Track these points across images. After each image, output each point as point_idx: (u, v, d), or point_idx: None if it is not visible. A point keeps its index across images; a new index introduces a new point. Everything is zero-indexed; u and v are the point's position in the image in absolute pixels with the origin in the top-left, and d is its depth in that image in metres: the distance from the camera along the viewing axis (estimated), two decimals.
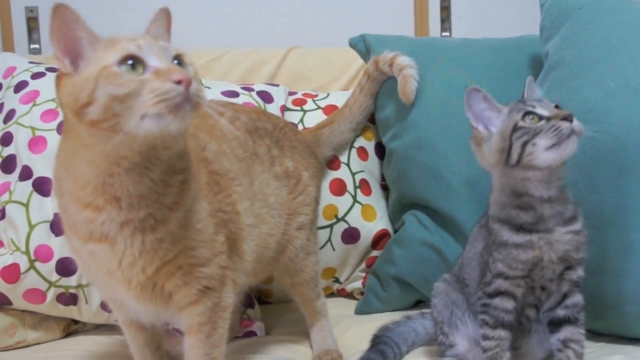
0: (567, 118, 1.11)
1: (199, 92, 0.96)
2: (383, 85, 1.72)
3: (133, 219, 1.03)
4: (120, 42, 0.97)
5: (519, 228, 1.16)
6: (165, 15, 1.11)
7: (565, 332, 1.18)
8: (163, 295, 1.11)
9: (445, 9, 2.33)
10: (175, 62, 0.99)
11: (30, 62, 1.75)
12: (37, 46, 2.18)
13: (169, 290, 1.11)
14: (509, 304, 1.18)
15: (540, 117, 1.13)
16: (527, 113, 1.14)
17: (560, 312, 1.19)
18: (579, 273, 1.19)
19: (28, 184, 1.52)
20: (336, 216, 1.69)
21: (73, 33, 0.98)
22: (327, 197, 1.69)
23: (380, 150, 1.79)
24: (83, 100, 0.94)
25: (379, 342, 1.33)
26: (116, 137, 0.93)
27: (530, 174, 1.14)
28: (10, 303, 1.50)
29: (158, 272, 1.08)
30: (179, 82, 0.93)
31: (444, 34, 2.34)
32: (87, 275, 1.38)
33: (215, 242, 1.14)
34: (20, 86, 1.66)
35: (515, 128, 1.13)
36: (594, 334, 1.36)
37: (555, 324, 1.19)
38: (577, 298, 1.19)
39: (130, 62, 0.94)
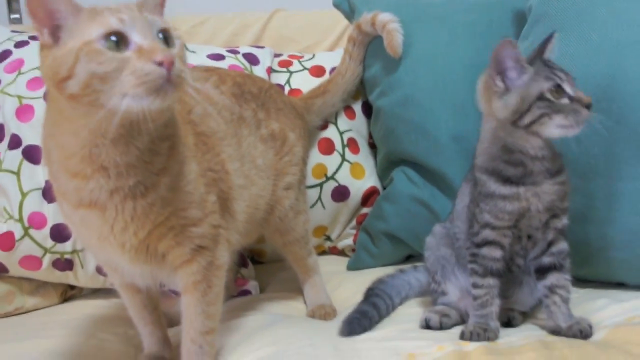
0: (588, 106, 1.14)
1: (181, 73, 0.95)
2: (369, 46, 1.73)
3: (122, 187, 1.03)
4: (103, 15, 0.95)
5: (506, 180, 1.18)
6: None
7: (552, 278, 1.21)
8: (157, 256, 1.13)
9: None
10: (161, 36, 0.97)
11: (13, 31, 1.75)
12: (17, 16, 2.16)
13: (162, 251, 1.12)
14: (497, 253, 1.21)
15: (564, 94, 1.14)
16: (556, 86, 1.14)
17: (546, 260, 1.22)
18: (563, 221, 1.22)
19: (18, 152, 1.52)
20: (325, 175, 1.72)
21: (50, 5, 0.95)
22: (315, 157, 1.71)
23: (367, 109, 1.80)
24: (63, 74, 0.93)
25: (371, 294, 1.36)
26: (97, 112, 0.93)
27: (531, 138, 1.16)
28: (7, 271, 1.52)
29: (150, 235, 1.09)
30: (161, 63, 0.92)
31: None
32: (80, 240, 1.41)
33: (206, 202, 1.15)
34: (4, 55, 1.65)
35: (541, 97, 1.14)
36: (581, 280, 1.40)
37: (542, 271, 1.22)
38: (562, 245, 1.22)
39: (113, 38, 0.93)
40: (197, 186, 1.13)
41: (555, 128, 1.14)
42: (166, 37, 0.98)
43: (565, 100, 1.14)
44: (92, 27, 0.93)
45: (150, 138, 1.03)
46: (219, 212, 1.19)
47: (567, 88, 1.15)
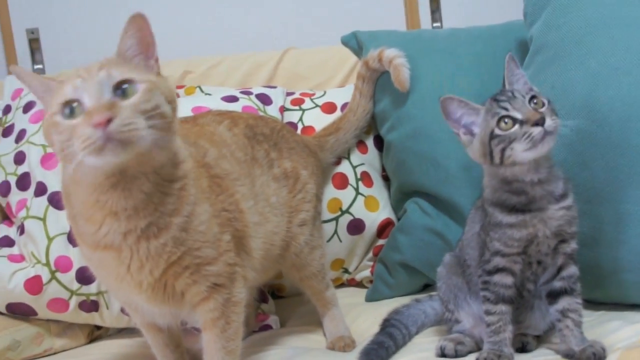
0: (539, 122, 1.15)
1: (124, 128, 0.98)
2: (377, 81, 1.77)
3: (134, 229, 1.09)
4: (62, 86, 1.04)
5: (512, 209, 1.21)
6: (135, 25, 1.10)
7: (563, 302, 1.23)
8: (175, 295, 1.17)
9: (435, 0, 2.38)
10: (119, 91, 1.02)
11: None
12: (40, 66, 2.24)
13: (180, 289, 1.17)
14: (508, 280, 1.23)
15: (514, 120, 1.17)
16: (501, 118, 1.18)
17: (557, 284, 1.24)
18: (572, 246, 1.24)
19: (43, 199, 1.59)
20: (340, 209, 1.75)
21: (28, 83, 1.09)
22: (330, 191, 1.75)
23: (379, 142, 1.84)
24: (47, 141, 1.07)
25: (388, 325, 1.39)
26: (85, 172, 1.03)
27: (516, 168, 1.20)
28: (35, 313, 1.57)
29: (165, 273, 1.14)
30: (97, 125, 0.97)
31: (435, 24, 2.38)
32: (100, 281, 1.46)
33: (220, 242, 1.19)
34: (28, 106, 1.73)
35: (492, 136, 1.18)
36: (594, 303, 1.41)
37: (553, 296, 1.24)
38: (572, 269, 1.24)
39: (68, 109, 1.01)
40: (210, 226, 1.17)
41: (522, 153, 1.17)
42: (125, 90, 1.02)
43: (515, 128, 1.17)
44: (55, 98, 1.04)
45: (156, 180, 1.09)
46: (234, 250, 1.23)
47: (514, 113, 1.17)
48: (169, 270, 1.14)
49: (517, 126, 1.17)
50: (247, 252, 1.29)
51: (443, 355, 1.29)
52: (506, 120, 1.17)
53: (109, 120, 0.97)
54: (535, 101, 1.19)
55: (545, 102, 1.19)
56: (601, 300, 1.43)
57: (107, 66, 1.04)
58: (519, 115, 1.17)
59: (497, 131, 1.18)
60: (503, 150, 1.17)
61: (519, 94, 1.20)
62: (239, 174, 1.32)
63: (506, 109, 1.18)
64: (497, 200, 1.23)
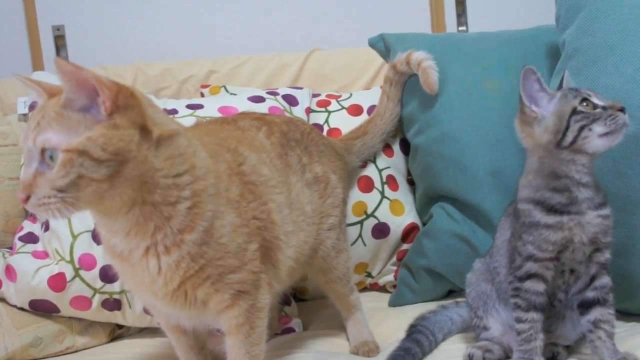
0: (623, 110, 1.17)
1: (38, 205, 0.98)
2: (405, 84, 1.76)
3: (136, 247, 1.09)
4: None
5: (551, 209, 1.20)
6: (62, 71, 0.98)
7: (595, 313, 1.21)
8: (197, 302, 1.16)
9: (461, 4, 2.37)
10: (47, 157, 0.98)
11: None
12: None
13: (202, 298, 1.15)
14: (540, 287, 1.21)
15: (595, 106, 1.19)
16: (584, 99, 1.19)
17: (590, 294, 1.22)
18: (606, 255, 1.22)
19: None
20: (365, 212, 1.74)
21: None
22: (356, 194, 1.74)
23: (405, 146, 1.83)
24: None
25: (414, 331, 1.37)
26: None
27: (577, 157, 1.19)
28: (58, 311, 1.56)
29: (184, 284, 1.13)
30: (21, 201, 0.99)
31: (460, 28, 2.37)
32: (122, 282, 1.47)
33: (245, 251, 1.17)
34: None
35: (575, 111, 1.18)
36: (625, 314, 1.39)
37: (585, 306, 1.22)
38: (605, 280, 1.22)
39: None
40: (234, 237, 1.15)
41: (597, 139, 1.17)
42: (51, 157, 0.99)
43: (599, 110, 1.18)
44: None
45: (146, 209, 1.06)
46: (259, 259, 1.21)
47: (596, 100, 1.20)
48: (187, 282, 1.13)
49: (599, 109, 1.19)
50: (273, 263, 1.27)
51: None
52: (586, 103, 1.19)
53: (28, 197, 0.99)
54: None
55: None
56: (633, 311, 1.41)
57: (38, 129, 0.99)
58: (601, 102, 1.20)
59: (581, 108, 1.19)
60: (581, 129, 1.17)
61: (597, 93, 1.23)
62: (277, 181, 1.30)
63: (589, 95, 1.20)
64: (538, 199, 1.21)
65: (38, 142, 0.99)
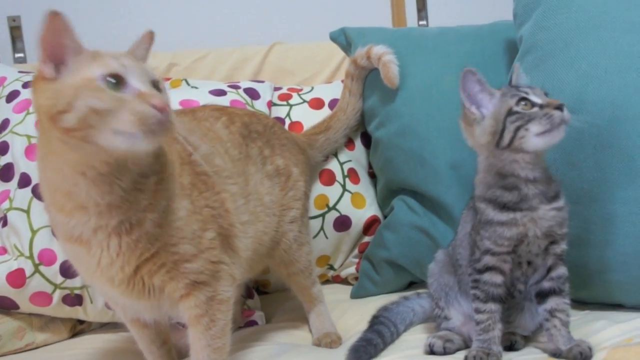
0: (559, 107, 1.17)
1: (172, 119, 1.01)
2: (366, 78, 1.78)
3: (105, 225, 1.06)
4: (105, 58, 1.00)
5: (503, 207, 1.22)
6: (149, 39, 1.15)
7: (552, 302, 1.24)
8: (154, 290, 1.15)
9: None
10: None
11: (20, 72, 1.79)
12: (21, 55, 2.20)
13: (158, 285, 1.14)
14: (498, 279, 1.24)
15: (533, 104, 1.18)
16: (522, 99, 1.19)
17: (546, 284, 1.25)
18: (562, 247, 1.25)
19: (27, 190, 1.56)
20: (327, 205, 1.75)
21: (62, 40, 0.99)
22: (317, 188, 1.75)
23: (366, 139, 1.84)
24: (61, 107, 0.96)
25: (376, 322, 1.39)
26: (86, 148, 0.98)
27: (519, 156, 1.20)
28: (17, 307, 1.54)
29: (139, 270, 1.11)
30: (158, 107, 0.97)
31: (420, 22, 2.39)
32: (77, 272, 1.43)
33: (201, 239, 1.16)
34: (12, 96, 1.69)
35: (510, 112, 1.19)
36: (580, 303, 1.43)
37: (542, 296, 1.25)
38: (562, 270, 1.25)
39: (113, 79, 0.98)
40: (188, 222, 1.15)
41: (535, 138, 1.17)
42: (157, 89, 1.03)
43: (535, 109, 1.18)
44: (95, 66, 0.98)
45: (133, 178, 1.06)
46: (219, 248, 1.20)
47: (534, 98, 1.19)
48: (142, 267, 1.11)
49: (536, 108, 1.18)
50: (234, 250, 1.27)
51: (432, 352, 1.29)
52: (525, 102, 1.19)
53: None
54: (547, 95, 1.21)
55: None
56: (587, 300, 1.45)
57: (140, 62, 1.06)
58: (539, 100, 1.19)
59: (516, 108, 1.18)
60: (517, 130, 1.17)
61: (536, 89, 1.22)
62: (231, 172, 1.30)
63: (526, 93, 1.20)
64: (490, 196, 1.23)
65: (151, 72, 1.05)
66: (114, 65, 0.99)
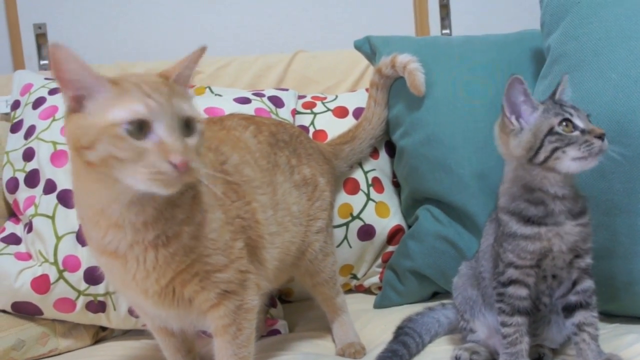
0: (601, 137, 1.15)
1: (193, 170, 0.98)
2: (391, 87, 1.77)
3: (142, 240, 1.07)
4: (132, 97, 0.97)
5: (527, 220, 1.20)
6: (199, 56, 1.09)
7: (579, 316, 1.22)
8: (183, 300, 1.15)
9: (445, 7, 2.38)
10: (185, 127, 1.00)
11: (46, 79, 1.80)
12: (47, 62, 2.21)
13: (188, 295, 1.15)
14: (523, 292, 1.22)
15: (575, 127, 1.16)
16: (565, 120, 1.17)
17: (573, 298, 1.23)
18: (587, 261, 1.23)
19: (53, 197, 1.57)
20: (351, 214, 1.74)
21: (72, 75, 0.97)
22: (341, 197, 1.74)
23: (390, 148, 1.83)
24: (84, 143, 0.96)
25: (401, 333, 1.38)
26: (110, 182, 0.98)
27: (550, 174, 1.18)
28: (41, 313, 1.54)
29: (173, 281, 1.12)
30: (176, 166, 0.95)
31: (444, 31, 2.38)
32: (109, 282, 1.44)
33: (232, 249, 1.17)
34: (38, 102, 1.70)
35: (551, 132, 1.17)
36: (608, 316, 1.41)
37: (569, 310, 1.23)
38: (588, 283, 1.23)
39: (137, 126, 0.95)
40: (221, 233, 1.16)
41: (570, 161, 1.16)
42: (188, 125, 1.01)
43: (576, 133, 1.16)
44: (119, 108, 0.96)
45: (167, 197, 1.05)
46: (247, 257, 1.21)
47: (577, 121, 1.17)
48: (176, 278, 1.12)
49: (577, 132, 1.16)
50: (261, 262, 1.27)
51: None
52: (568, 124, 1.17)
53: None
54: (590, 119, 1.19)
55: None
56: (616, 312, 1.43)
57: (174, 96, 1.01)
58: (581, 124, 1.17)
59: (558, 129, 1.16)
60: (554, 151, 1.16)
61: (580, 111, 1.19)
62: (261, 181, 1.30)
63: (571, 115, 1.18)
64: (514, 209, 1.21)
65: (185, 109, 1.01)
66: (139, 110, 0.96)
